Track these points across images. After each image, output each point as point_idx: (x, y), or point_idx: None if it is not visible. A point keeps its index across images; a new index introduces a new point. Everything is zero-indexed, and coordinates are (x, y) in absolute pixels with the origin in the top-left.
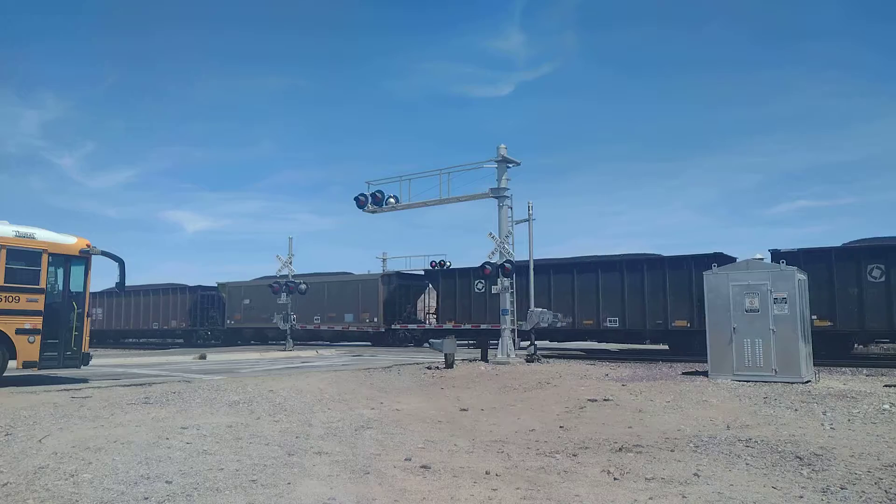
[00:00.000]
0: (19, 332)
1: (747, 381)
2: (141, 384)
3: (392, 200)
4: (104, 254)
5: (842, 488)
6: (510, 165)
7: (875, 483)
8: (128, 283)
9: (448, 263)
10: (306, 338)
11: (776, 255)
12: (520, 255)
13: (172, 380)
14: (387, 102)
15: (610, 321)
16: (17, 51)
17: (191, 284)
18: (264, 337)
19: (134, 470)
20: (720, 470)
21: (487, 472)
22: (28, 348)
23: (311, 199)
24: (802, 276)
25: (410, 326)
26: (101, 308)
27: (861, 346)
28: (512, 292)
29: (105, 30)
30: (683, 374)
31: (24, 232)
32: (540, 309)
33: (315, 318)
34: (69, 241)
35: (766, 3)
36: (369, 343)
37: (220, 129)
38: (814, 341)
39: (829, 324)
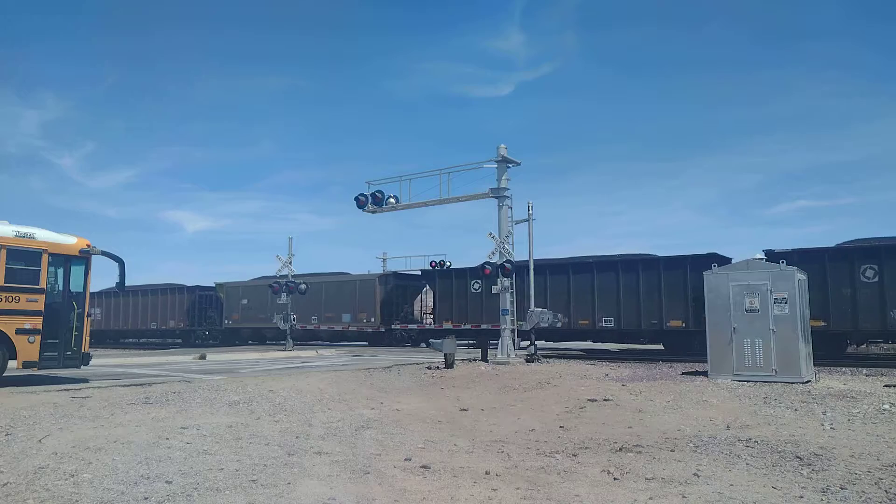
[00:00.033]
0: (19, 332)
1: (747, 381)
2: (141, 384)
3: (392, 200)
4: (104, 254)
5: (842, 488)
6: (510, 165)
7: (875, 483)
8: (127, 283)
9: (448, 263)
10: (304, 338)
11: (770, 256)
12: (519, 255)
13: (172, 380)
14: (387, 102)
15: (605, 321)
16: (17, 51)
17: (189, 284)
18: (262, 337)
19: (134, 470)
20: (720, 470)
21: (487, 472)
22: (28, 348)
23: (311, 199)
24: (802, 276)
25: (410, 327)
26: (99, 308)
27: (854, 347)
28: (512, 292)
29: (105, 30)
30: (683, 374)
31: (24, 232)
32: (540, 309)
33: (313, 318)
34: (69, 241)
35: (766, 3)
36: (366, 343)
37: (220, 129)
38: None
39: (824, 324)
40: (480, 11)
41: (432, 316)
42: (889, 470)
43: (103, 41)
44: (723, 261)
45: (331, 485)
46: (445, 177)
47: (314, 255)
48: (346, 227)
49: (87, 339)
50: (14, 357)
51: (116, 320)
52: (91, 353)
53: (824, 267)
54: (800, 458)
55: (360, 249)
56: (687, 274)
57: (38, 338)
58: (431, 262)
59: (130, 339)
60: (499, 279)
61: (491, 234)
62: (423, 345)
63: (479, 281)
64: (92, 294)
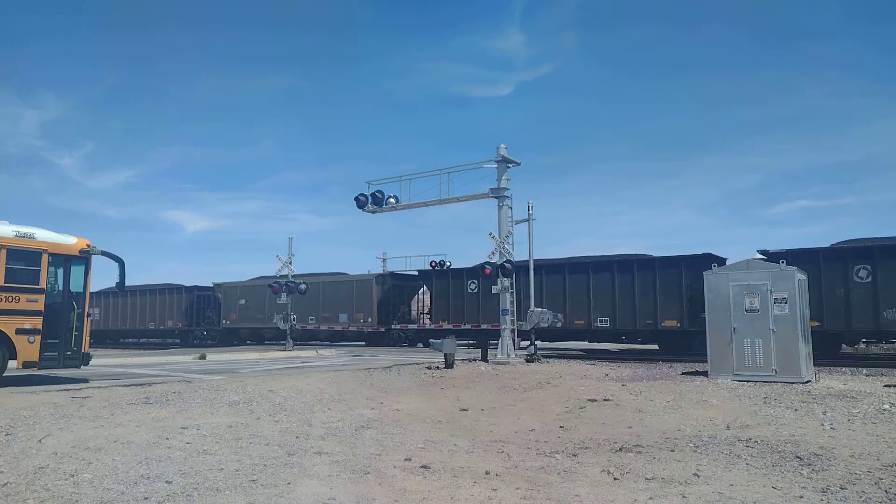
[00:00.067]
0: (19, 332)
1: (747, 381)
2: (141, 384)
3: (392, 200)
4: (104, 254)
5: (842, 488)
6: (510, 165)
7: (875, 483)
8: (127, 283)
9: (448, 263)
10: (302, 338)
11: (764, 256)
12: (519, 255)
13: (172, 380)
14: (387, 102)
15: (601, 321)
16: (17, 51)
17: (187, 285)
18: (260, 337)
19: (134, 470)
20: (720, 470)
21: (487, 472)
22: (28, 348)
23: (310, 199)
24: (802, 276)
25: (410, 326)
26: (97, 308)
27: (853, 347)
28: (512, 292)
29: (105, 30)
30: (683, 374)
31: (24, 232)
32: (540, 309)
33: (310, 318)
34: (69, 241)
35: (766, 3)
36: (364, 343)
37: (220, 129)
38: None
39: (818, 324)
40: (480, 11)
41: (429, 316)
42: (889, 470)
43: (103, 41)
44: (717, 261)
45: (331, 485)
46: (445, 177)
47: (314, 256)
48: (346, 227)
49: (87, 339)
50: (14, 357)
51: (115, 320)
52: (91, 353)
53: (818, 267)
54: (800, 458)
55: (360, 249)
56: (682, 274)
57: (38, 338)
58: (431, 262)
59: (129, 340)
60: (499, 279)
61: (491, 234)
62: (420, 345)
63: (476, 281)
64: (91, 294)
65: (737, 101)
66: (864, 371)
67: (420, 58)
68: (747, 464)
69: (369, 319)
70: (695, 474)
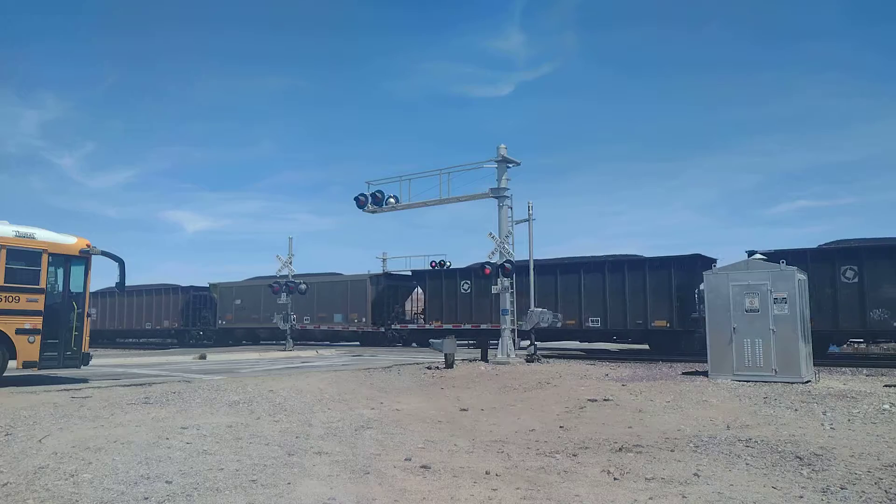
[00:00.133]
0: (19, 332)
1: (747, 381)
2: (141, 384)
3: (392, 200)
4: (104, 254)
5: (842, 488)
6: (510, 165)
7: (875, 483)
8: (127, 283)
9: (448, 264)
10: (297, 338)
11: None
12: (519, 255)
13: (172, 380)
14: (387, 102)
15: (592, 321)
16: (17, 51)
17: (183, 285)
18: (255, 337)
19: (134, 470)
20: (720, 470)
21: (487, 472)
22: (28, 348)
23: (310, 199)
24: (802, 277)
25: (408, 326)
26: (94, 308)
27: (845, 347)
28: (512, 292)
29: (105, 30)
30: (683, 374)
31: (24, 232)
32: (540, 309)
33: (305, 318)
34: (69, 241)
35: (766, 3)
36: (358, 343)
37: (220, 129)
38: None
39: None
40: (480, 11)
41: (423, 316)
42: (889, 470)
43: (103, 41)
44: (707, 262)
45: (331, 485)
46: (445, 177)
47: (314, 256)
48: (345, 227)
49: (87, 339)
50: (14, 357)
51: (112, 320)
52: (91, 353)
53: (807, 268)
54: (800, 458)
55: (360, 249)
56: (672, 275)
57: (38, 338)
58: (431, 262)
59: (126, 339)
60: (499, 279)
61: (491, 234)
62: (415, 344)
63: (469, 281)
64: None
65: (737, 101)
66: (864, 371)
67: (420, 58)
68: (747, 464)
69: (364, 319)
70: (695, 474)
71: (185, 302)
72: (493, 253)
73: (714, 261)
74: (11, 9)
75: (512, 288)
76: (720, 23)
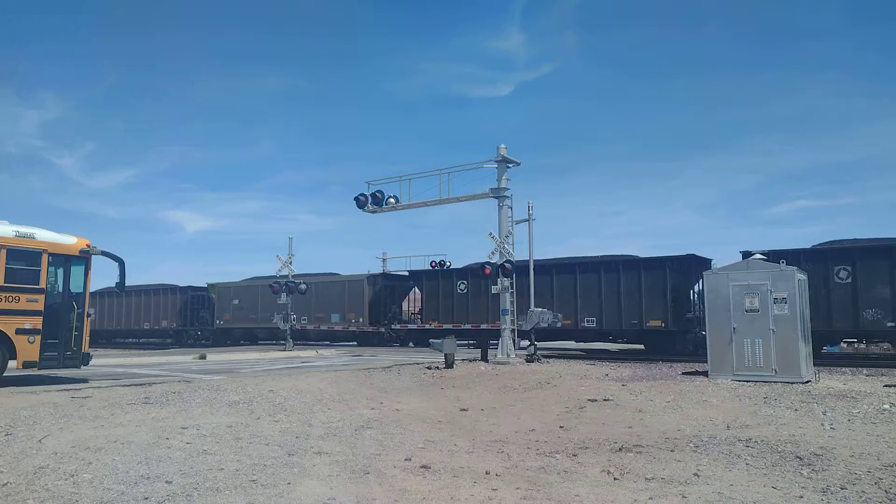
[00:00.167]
0: (19, 332)
1: (747, 381)
2: (141, 384)
3: (392, 200)
4: (104, 254)
5: (842, 488)
6: (510, 165)
7: (875, 483)
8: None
9: (448, 264)
10: (295, 338)
11: (747, 257)
12: (519, 255)
13: (172, 380)
14: (387, 102)
15: (588, 321)
16: (17, 51)
17: (181, 285)
18: (253, 337)
19: (134, 470)
20: (720, 470)
21: (487, 472)
22: (28, 348)
23: (310, 199)
24: (802, 276)
25: (407, 326)
26: (92, 308)
27: (844, 347)
28: (512, 292)
29: (105, 30)
30: (683, 374)
31: (24, 232)
32: (540, 309)
33: (303, 318)
34: (69, 241)
35: (766, 3)
36: (355, 343)
37: (220, 129)
38: None
39: None
40: (480, 11)
41: (419, 316)
42: (889, 470)
43: (103, 41)
44: (702, 262)
45: (331, 485)
46: (445, 177)
47: (314, 256)
48: (345, 227)
49: (87, 339)
50: (14, 357)
51: (110, 320)
52: (91, 353)
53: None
54: (800, 458)
55: (360, 249)
56: (666, 275)
57: (38, 338)
58: (431, 263)
59: (123, 340)
60: (499, 279)
61: (491, 234)
62: (412, 344)
63: (465, 281)
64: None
65: (737, 101)
66: (864, 371)
67: (420, 58)
68: (747, 464)
69: (361, 319)
70: (695, 474)
71: (184, 302)
72: (493, 253)
73: (709, 261)
74: (11, 9)
75: (512, 288)
76: (720, 23)
